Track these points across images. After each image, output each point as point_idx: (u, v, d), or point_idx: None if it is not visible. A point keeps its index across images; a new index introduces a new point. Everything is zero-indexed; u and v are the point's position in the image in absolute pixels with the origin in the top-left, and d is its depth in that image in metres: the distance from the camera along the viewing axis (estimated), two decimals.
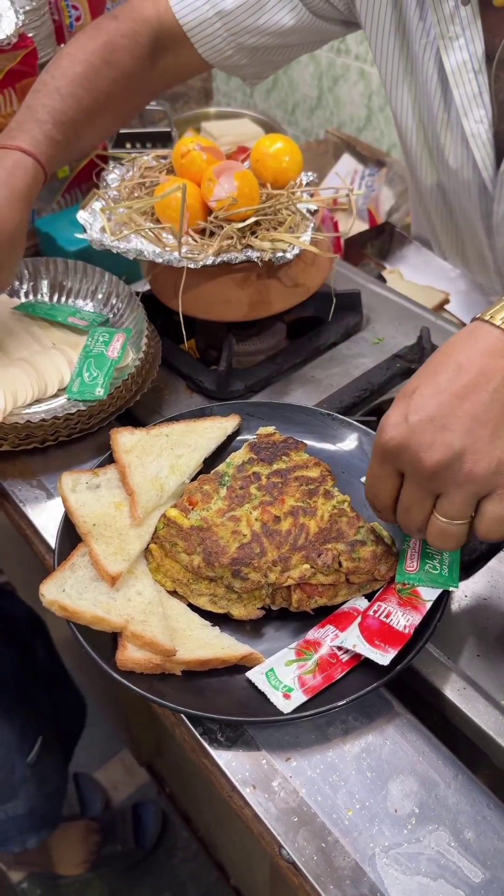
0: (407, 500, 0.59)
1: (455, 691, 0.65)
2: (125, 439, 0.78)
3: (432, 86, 0.94)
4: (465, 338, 0.57)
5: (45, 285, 1.00)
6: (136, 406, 0.89)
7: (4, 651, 1.32)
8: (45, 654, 1.43)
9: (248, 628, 0.68)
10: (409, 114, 1.01)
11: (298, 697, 0.61)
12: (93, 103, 0.90)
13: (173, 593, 0.70)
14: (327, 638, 0.65)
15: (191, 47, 0.98)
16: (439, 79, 0.93)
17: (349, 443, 0.80)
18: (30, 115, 0.85)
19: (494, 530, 0.56)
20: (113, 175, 0.98)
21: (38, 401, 0.88)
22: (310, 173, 0.96)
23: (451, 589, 0.65)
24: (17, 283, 1.00)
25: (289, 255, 0.85)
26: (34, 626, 1.43)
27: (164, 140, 1.29)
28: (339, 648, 0.64)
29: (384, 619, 0.64)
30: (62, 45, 1.45)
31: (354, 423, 0.81)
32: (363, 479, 0.74)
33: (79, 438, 0.85)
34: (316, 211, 0.92)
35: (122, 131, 1.28)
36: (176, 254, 0.85)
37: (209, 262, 0.84)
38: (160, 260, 0.86)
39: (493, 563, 0.74)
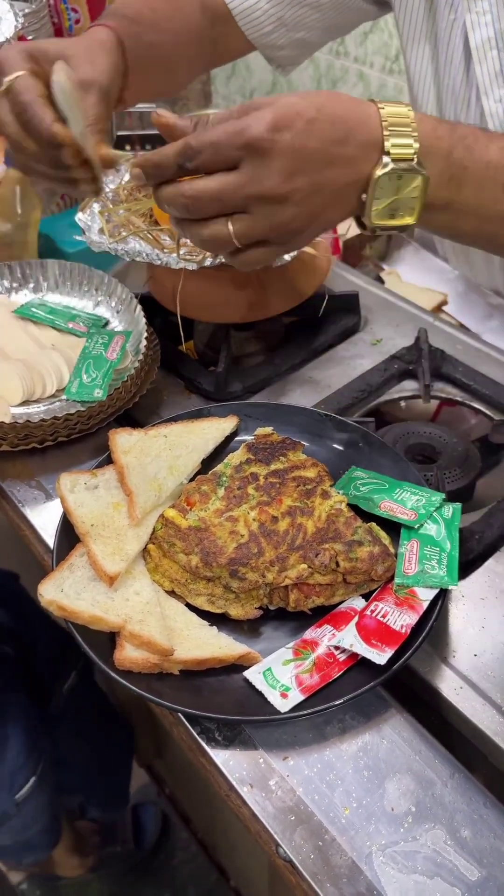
0: (221, 189, 0.59)
1: (452, 690, 0.65)
2: (123, 440, 0.79)
3: (456, 63, 0.94)
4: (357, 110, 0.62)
5: (44, 287, 1.01)
6: (135, 407, 0.89)
7: (15, 687, 1.32)
8: (76, 689, 1.41)
9: (245, 628, 0.69)
10: (431, 96, 1.00)
11: (296, 696, 0.61)
12: (153, 25, 0.88)
13: (171, 593, 0.70)
14: (324, 637, 0.65)
15: (233, 23, 0.97)
16: (464, 55, 0.92)
17: (346, 443, 0.81)
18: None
19: (211, 244, 0.61)
20: (112, 177, 0.98)
21: (37, 400, 0.88)
22: None
23: (449, 588, 0.66)
24: (16, 285, 1.01)
25: (287, 257, 0.85)
26: (62, 659, 1.41)
27: (164, 142, 1.30)
28: (337, 648, 0.64)
29: (381, 619, 0.64)
30: None
31: (352, 423, 0.82)
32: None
33: (78, 439, 0.86)
34: None
35: (120, 133, 1.28)
36: (174, 255, 0.85)
37: (207, 263, 0.85)
38: (158, 261, 0.86)
39: (490, 562, 0.74)
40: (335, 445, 0.81)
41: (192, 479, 0.77)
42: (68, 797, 1.52)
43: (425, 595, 0.65)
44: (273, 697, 0.62)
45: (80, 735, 1.47)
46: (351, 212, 0.65)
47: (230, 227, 0.60)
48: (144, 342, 0.88)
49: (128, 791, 1.60)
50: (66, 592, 0.67)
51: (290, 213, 0.60)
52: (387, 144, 0.61)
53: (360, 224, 0.66)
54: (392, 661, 0.61)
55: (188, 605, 0.70)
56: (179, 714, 0.63)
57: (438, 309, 1.15)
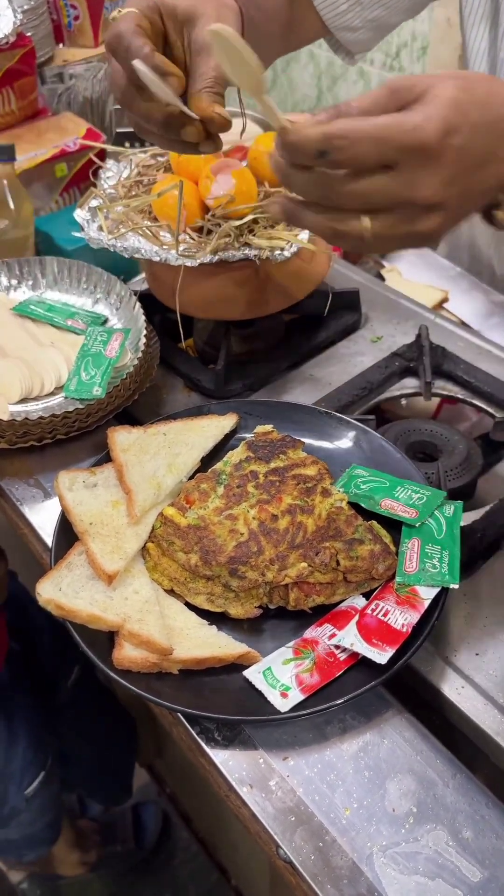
0: (373, 189, 0.52)
1: (453, 690, 0.64)
2: (122, 438, 0.78)
3: None
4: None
5: (43, 284, 1.00)
6: (134, 405, 0.89)
7: (21, 682, 1.32)
8: (80, 684, 1.42)
9: (245, 627, 0.68)
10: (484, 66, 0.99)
11: (296, 696, 0.61)
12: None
13: (170, 592, 0.70)
14: (325, 636, 0.65)
15: (308, 3, 0.94)
16: None
17: (347, 441, 0.80)
18: None
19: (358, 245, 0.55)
20: (110, 173, 0.98)
21: (35, 398, 0.87)
22: None
23: (450, 586, 0.65)
24: (15, 282, 1.00)
25: (287, 253, 0.85)
26: (65, 656, 1.42)
27: None
28: (337, 647, 0.64)
29: (382, 618, 0.63)
30: (61, 45, 1.45)
31: (352, 421, 0.81)
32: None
33: (76, 437, 0.85)
34: None
35: (119, 130, 1.28)
36: (173, 252, 0.85)
37: (207, 260, 0.84)
38: (157, 258, 0.85)
39: (491, 561, 0.73)
40: (335, 443, 0.80)
41: (191, 477, 0.77)
42: (73, 791, 1.52)
43: (426, 594, 0.65)
44: (273, 697, 0.61)
45: (85, 728, 1.48)
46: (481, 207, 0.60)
47: (368, 225, 0.54)
48: (143, 339, 0.88)
49: (131, 785, 1.60)
50: (64, 591, 0.67)
51: (436, 220, 0.54)
52: None
53: (488, 218, 0.61)
54: (393, 660, 0.61)
55: (187, 604, 0.69)
56: (179, 714, 0.63)
57: (439, 306, 1.14)
